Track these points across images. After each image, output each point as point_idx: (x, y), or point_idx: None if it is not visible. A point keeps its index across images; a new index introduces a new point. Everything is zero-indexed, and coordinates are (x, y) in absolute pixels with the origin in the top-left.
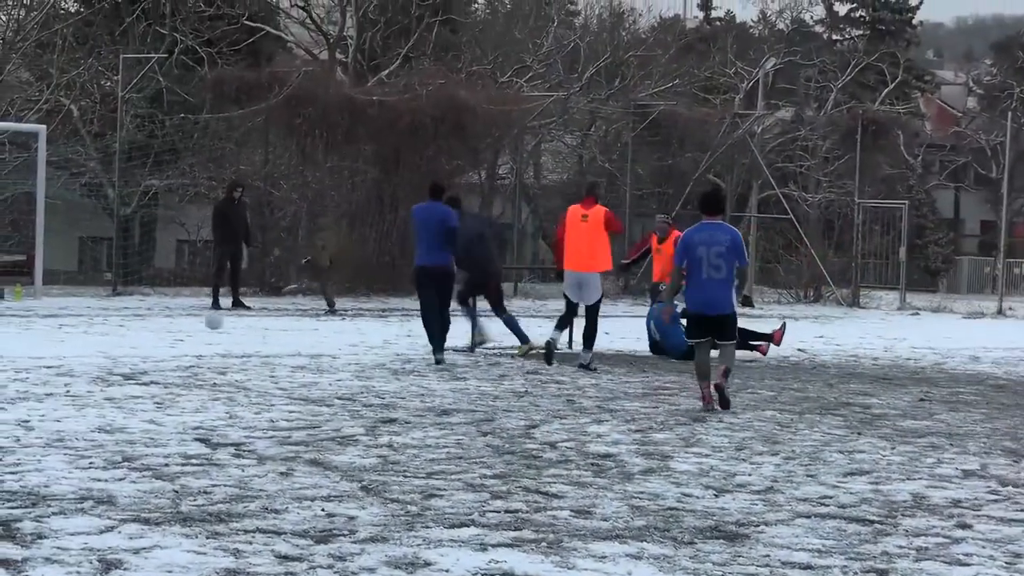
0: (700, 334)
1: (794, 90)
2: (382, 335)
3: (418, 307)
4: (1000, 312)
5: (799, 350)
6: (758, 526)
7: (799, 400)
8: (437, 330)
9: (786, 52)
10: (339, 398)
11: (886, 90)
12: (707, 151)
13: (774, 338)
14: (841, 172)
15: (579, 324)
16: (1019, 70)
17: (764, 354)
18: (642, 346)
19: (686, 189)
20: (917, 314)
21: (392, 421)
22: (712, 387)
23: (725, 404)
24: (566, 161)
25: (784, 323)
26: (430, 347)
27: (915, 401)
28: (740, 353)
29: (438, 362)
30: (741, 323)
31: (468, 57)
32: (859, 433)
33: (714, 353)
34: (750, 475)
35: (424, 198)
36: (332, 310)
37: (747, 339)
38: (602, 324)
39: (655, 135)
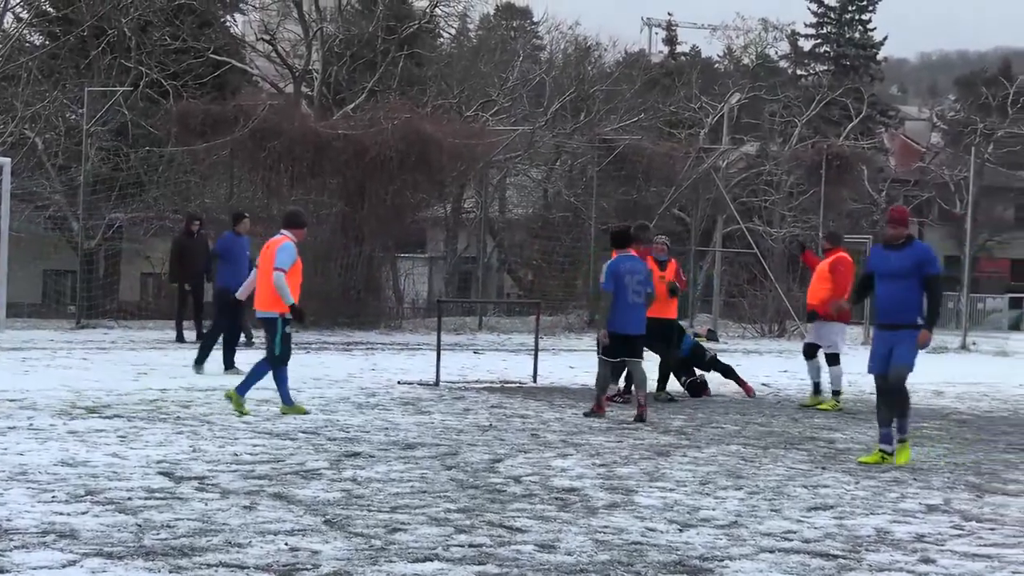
0: (620, 353)
1: (759, 125)
2: (346, 369)
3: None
4: (964, 347)
5: (763, 384)
6: (722, 561)
7: (763, 435)
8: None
9: (751, 87)
10: (303, 432)
11: (850, 125)
12: (672, 185)
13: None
14: (806, 207)
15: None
16: (982, 106)
17: (751, 395)
18: None
19: (651, 223)
20: None
21: (356, 455)
22: (638, 404)
23: (642, 419)
24: (531, 195)
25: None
26: (198, 362)
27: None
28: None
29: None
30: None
31: (434, 91)
32: (823, 468)
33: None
34: (714, 510)
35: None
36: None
37: (731, 374)
38: (567, 359)
39: (620, 169)
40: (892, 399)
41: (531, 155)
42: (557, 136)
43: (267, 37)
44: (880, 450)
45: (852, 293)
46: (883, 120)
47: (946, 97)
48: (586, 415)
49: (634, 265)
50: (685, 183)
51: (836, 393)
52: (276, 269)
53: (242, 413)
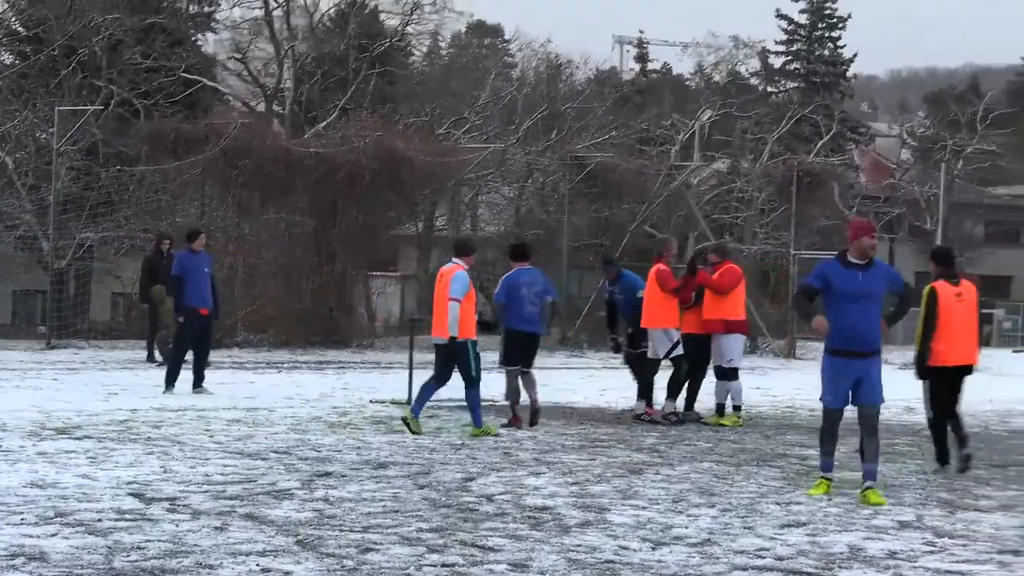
0: (518, 360)
1: (730, 142)
2: (318, 388)
3: (361, 360)
4: None
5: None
6: None
7: (736, 452)
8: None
9: (722, 104)
10: (275, 452)
11: (821, 142)
12: (644, 202)
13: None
14: (777, 223)
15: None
16: (952, 122)
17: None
18: (578, 398)
19: (623, 240)
20: None
21: (328, 475)
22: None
23: (535, 422)
24: (503, 213)
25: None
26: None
27: (851, 452)
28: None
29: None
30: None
31: (405, 109)
32: (796, 485)
33: None
34: (687, 527)
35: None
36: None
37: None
38: (538, 377)
39: (592, 187)
40: (867, 441)
41: (503, 173)
42: (529, 154)
43: (238, 56)
44: (824, 478)
45: (797, 310)
46: (853, 137)
47: (916, 114)
48: (503, 426)
49: (532, 277)
50: (657, 200)
51: (737, 408)
52: (451, 299)
53: (416, 433)
